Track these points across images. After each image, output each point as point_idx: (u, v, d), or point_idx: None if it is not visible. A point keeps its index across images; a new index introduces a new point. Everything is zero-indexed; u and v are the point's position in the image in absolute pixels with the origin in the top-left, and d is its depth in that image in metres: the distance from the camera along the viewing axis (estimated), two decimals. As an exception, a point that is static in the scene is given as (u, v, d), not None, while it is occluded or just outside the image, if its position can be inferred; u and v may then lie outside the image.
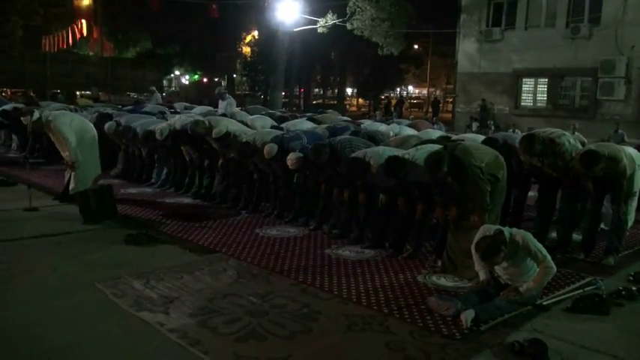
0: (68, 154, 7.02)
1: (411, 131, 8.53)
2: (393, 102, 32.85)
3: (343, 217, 6.15)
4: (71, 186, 7.15)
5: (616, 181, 5.29)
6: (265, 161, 6.61)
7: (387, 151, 5.54)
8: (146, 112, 10.99)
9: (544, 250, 4.23)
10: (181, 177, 8.49)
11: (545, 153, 5.41)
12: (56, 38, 28.19)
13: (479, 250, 4.15)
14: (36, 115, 7.07)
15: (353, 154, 5.62)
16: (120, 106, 13.91)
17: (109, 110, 11.04)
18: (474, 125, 19.77)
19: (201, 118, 8.05)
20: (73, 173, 7.13)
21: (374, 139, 7.00)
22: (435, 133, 8.08)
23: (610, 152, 5.19)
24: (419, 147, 5.55)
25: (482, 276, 4.40)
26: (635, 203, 5.59)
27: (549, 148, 5.38)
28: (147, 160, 9.10)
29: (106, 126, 8.86)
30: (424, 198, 5.29)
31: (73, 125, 7.15)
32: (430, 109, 34.69)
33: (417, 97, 54.65)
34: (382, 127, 8.88)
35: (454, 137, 6.99)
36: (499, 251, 4.07)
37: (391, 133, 8.17)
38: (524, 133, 6.16)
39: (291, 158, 6.09)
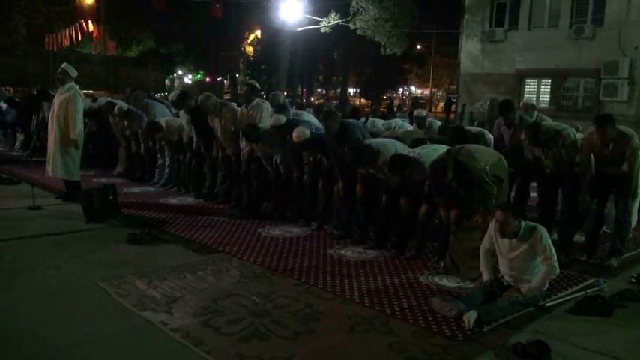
0: (72, 129, 7.10)
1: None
2: (405, 102, 32.87)
3: (343, 219, 6.16)
4: (64, 173, 7.27)
5: (621, 180, 5.27)
6: (267, 147, 6.64)
7: (398, 145, 5.57)
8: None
9: (553, 249, 4.23)
10: (184, 176, 8.50)
11: (548, 144, 5.44)
12: (59, 37, 28.17)
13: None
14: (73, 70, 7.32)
15: (365, 141, 5.62)
16: None
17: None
18: (476, 123, 19.79)
19: (212, 96, 8.03)
20: (60, 159, 7.20)
21: (377, 137, 7.01)
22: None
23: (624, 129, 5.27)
24: (425, 146, 5.54)
25: (485, 276, 4.40)
26: (636, 204, 5.59)
27: (554, 141, 5.43)
28: (146, 158, 9.13)
29: (117, 107, 8.97)
30: (428, 198, 5.30)
31: (82, 108, 7.33)
32: (439, 109, 34.65)
33: (419, 97, 54.67)
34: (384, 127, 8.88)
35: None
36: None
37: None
38: (530, 121, 6.12)
39: (297, 131, 6.10)
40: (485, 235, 4.49)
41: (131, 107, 9.05)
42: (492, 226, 4.38)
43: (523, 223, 4.24)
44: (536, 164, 5.83)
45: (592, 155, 5.39)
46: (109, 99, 9.53)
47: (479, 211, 4.79)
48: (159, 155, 8.90)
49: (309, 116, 8.95)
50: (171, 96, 8.63)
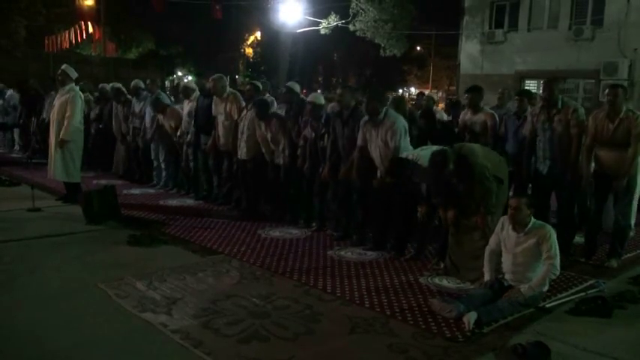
0: (65, 129, 7.10)
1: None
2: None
3: (343, 222, 6.16)
4: (64, 175, 7.28)
5: (620, 180, 5.25)
6: (269, 130, 6.68)
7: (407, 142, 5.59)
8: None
9: (558, 251, 4.26)
10: (183, 178, 8.50)
11: (559, 108, 5.44)
12: (59, 38, 28.15)
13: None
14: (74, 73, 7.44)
15: None
16: None
17: None
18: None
19: (225, 79, 8.06)
20: (60, 161, 7.20)
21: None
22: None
23: None
24: (424, 147, 5.53)
25: (487, 277, 4.41)
26: (636, 203, 5.59)
27: (565, 107, 5.43)
28: (142, 158, 9.15)
29: (134, 82, 9.15)
30: (427, 199, 5.29)
31: (80, 110, 7.35)
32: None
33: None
34: None
35: None
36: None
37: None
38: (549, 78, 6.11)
39: (314, 94, 6.41)
40: (493, 235, 4.52)
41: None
42: (500, 225, 4.45)
43: (533, 219, 4.28)
44: (531, 147, 5.77)
45: (594, 144, 5.37)
46: (119, 86, 9.63)
47: (478, 211, 4.79)
48: (153, 157, 8.90)
49: None
50: (184, 83, 8.87)
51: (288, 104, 6.90)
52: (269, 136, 6.74)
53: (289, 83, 7.05)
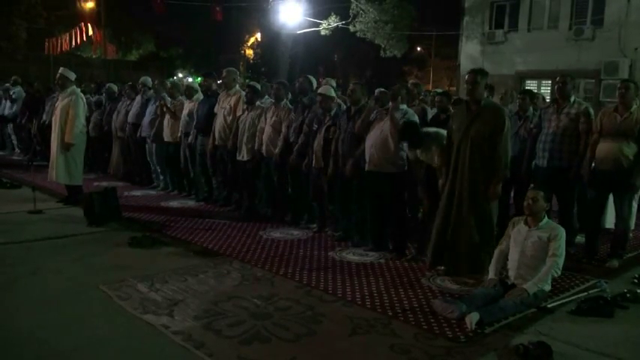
0: (69, 132, 7.11)
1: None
2: None
3: (343, 223, 6.17)
4: (67, 177, 7.28)
5: (619, 177, 5.23)
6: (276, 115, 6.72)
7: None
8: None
9: (564, 252, 4.30)
10: (182, 180, 8.49)
11: (571, 103, 5.54)
12: (60, 41, 28.21)
13: None
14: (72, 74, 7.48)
15: None
16: None
17: None
18: None
19: (237, 73, 8.15)
20: (62, 164, 7.20)
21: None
22: None
23: None
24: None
25: (491, 275, 4.41)
26: (636, 204, 5.57)
27: (577, 104, 5.55)
28: (137, 159, 9.15)
29: (143, 78, 9.25)
30: (429, 194, 5.29)
31: (83, 112, 7.39)
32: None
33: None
34: None
35: None
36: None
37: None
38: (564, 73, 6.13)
39: (325, 86, 6.35)
40: (504, 236, 4.56)
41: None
42: (511, 225, 4.53)
43: (547, 218, 4.35)
44: (535, 140, 5.77)
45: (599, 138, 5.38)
46: (131, 83, 9.78)
47: (491, 179, 4.68)
48: (148, 159, 8.91)
49: None
50: (188, 83, 9.02)
51: (301, 94, 6.88)
52: (273, 120, 6.73)
53: (308, 76, 7.08)
